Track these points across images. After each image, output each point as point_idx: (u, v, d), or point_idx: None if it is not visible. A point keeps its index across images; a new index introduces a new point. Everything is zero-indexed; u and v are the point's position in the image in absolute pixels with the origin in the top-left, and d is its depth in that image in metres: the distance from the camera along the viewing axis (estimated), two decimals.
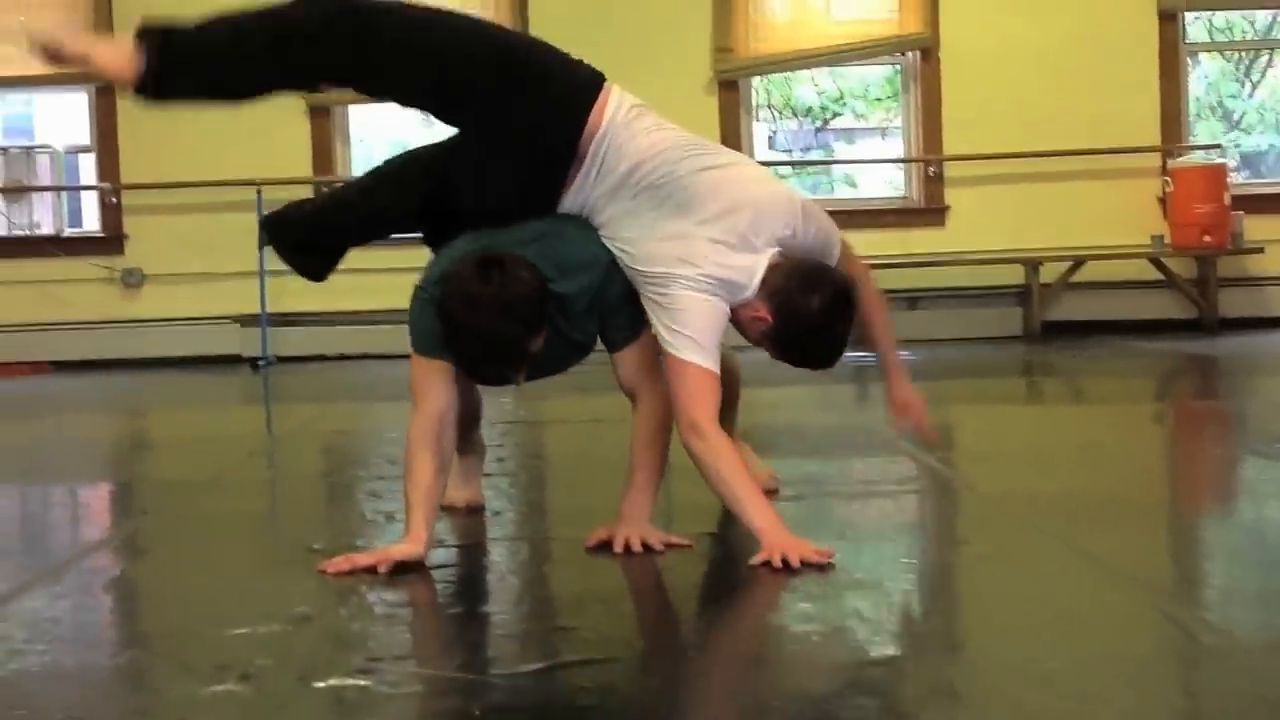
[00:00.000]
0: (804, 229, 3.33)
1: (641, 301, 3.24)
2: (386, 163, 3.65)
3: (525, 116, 3.31)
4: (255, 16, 3.37)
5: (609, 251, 3.27)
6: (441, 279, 3.13)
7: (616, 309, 3.27)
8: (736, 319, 3.25)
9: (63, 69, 3.60)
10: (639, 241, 3.24)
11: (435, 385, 3.25)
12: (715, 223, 3.21)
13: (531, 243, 3.20)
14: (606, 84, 3.36)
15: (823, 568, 2.90)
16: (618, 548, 3.15)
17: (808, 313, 3.20)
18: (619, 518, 3.23)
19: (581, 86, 3.36)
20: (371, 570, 2.96)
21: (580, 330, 3.28)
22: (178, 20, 3.35)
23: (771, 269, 3.21)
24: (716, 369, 3.17)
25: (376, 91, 3.51)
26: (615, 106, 3.33)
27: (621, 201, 3.28)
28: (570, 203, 3.34)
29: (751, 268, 3.21)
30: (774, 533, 3.02)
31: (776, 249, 3.25)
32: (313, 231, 3.71)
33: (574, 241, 3.28)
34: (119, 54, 3.27)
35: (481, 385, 3.55)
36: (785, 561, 2.90)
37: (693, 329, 3.15)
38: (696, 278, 3.16)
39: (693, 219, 3.22)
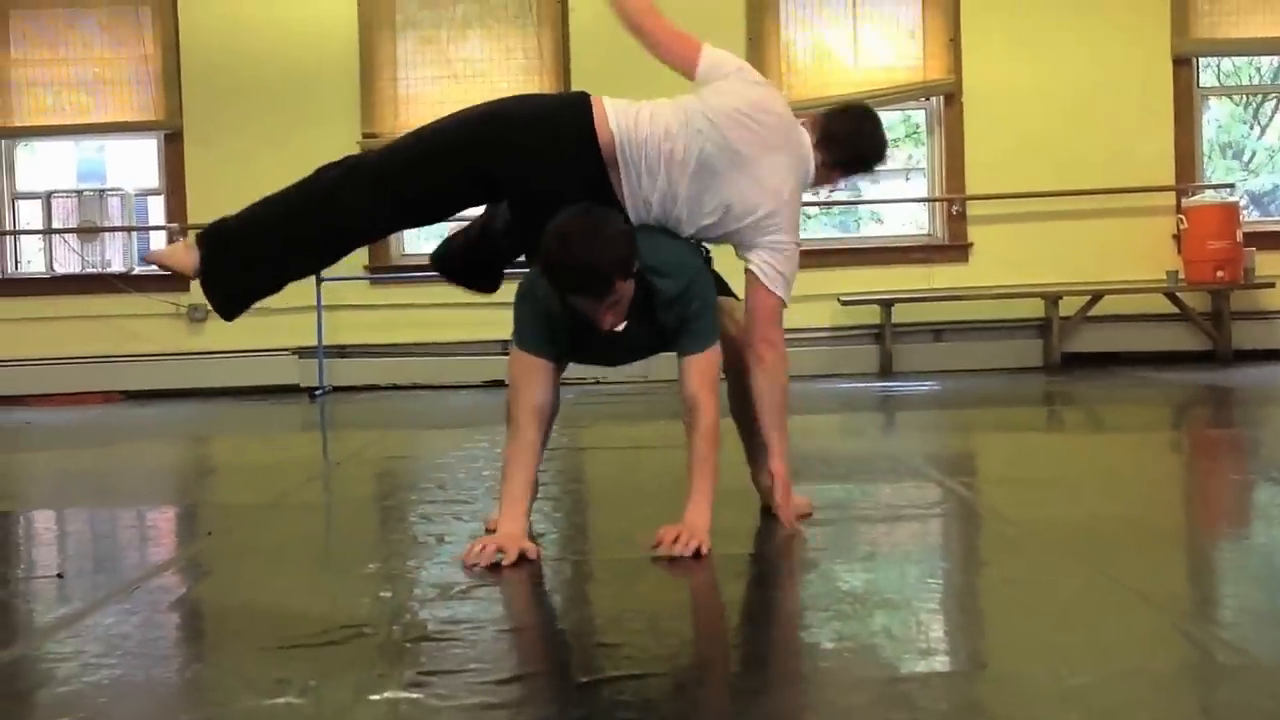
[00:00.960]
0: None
1: (751, 257, 3.54)
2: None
3: (542, 148, 3.45)
4: (290, 190, 3.58)
5: (699, 260, 3.50)
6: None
7: (699, 315, 3.45)
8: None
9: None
10: (730, 201, 3.50)
11: (533, 381, 3.45)
12: (766, 154, 3.53)
13: None
14: (592, 96, 3.54)
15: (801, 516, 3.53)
16: (680, 548, 3.26)
17: (843, 121, 3.75)
18: (684, 524, 3.35)
19: (571, 102, 3.56)
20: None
21: (663, 321, 3.44)
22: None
23: (809, 132, 3.69)
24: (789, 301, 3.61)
25: (416, 220, 3.73)
26: (612, 110, 3.50)
27: (687, 181, 3.48)
28: (641, 213, 3.49)
29: (803, 147, 3.64)
30: (786, 482, 3.54)
31: (801, 120, 3.69)
32: (472, 256, 3.88)
33: (665, 246, 3.46)
34: (183, 251, 3.61)
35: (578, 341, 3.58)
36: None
37: (788, 271, 3.57)
38: (790, 200, 3.56)
39: (750, 161, 3.51)
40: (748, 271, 3.58)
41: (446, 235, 4.02)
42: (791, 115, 3.70)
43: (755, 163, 3.53)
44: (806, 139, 3.69)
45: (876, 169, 3.86)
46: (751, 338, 3.58)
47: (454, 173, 3.51)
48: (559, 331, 3.45)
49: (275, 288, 3.66)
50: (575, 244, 3.20)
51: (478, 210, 3.87)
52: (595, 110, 3.50)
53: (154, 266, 3.83)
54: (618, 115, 3.50)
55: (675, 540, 3.28)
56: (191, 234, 3.65)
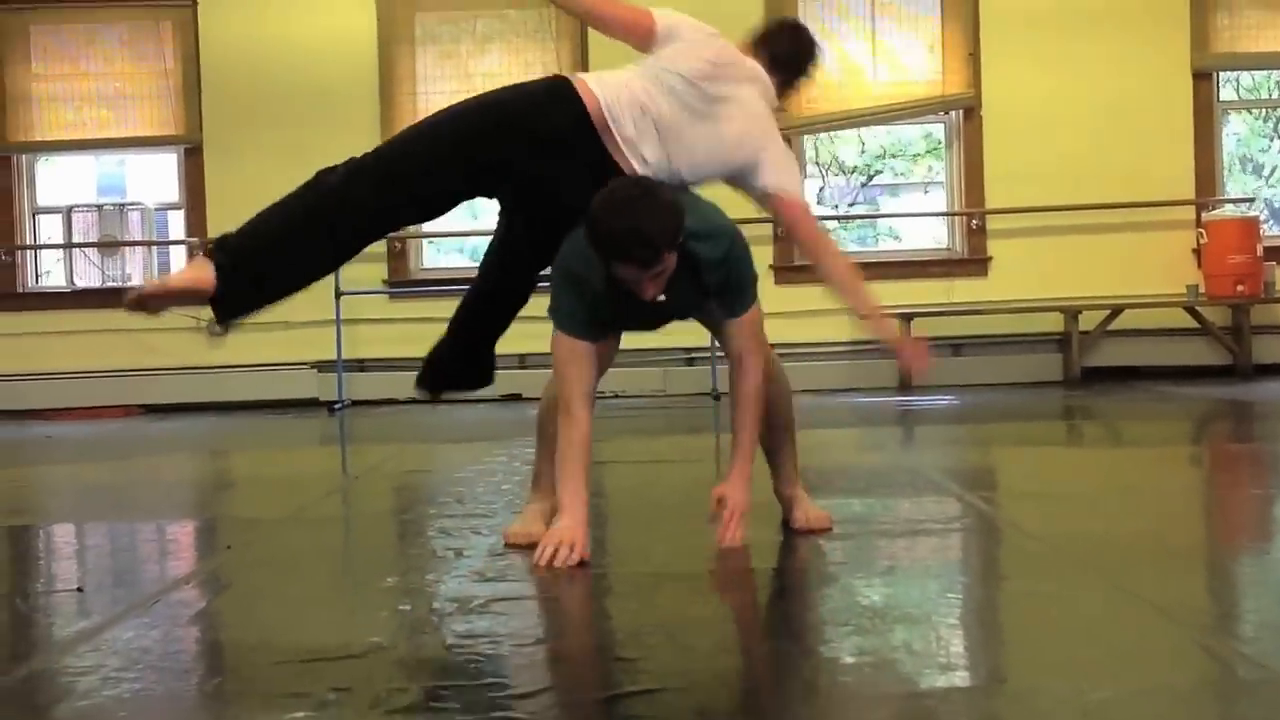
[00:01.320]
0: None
1: (762, 181, 3.65)
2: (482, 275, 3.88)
3: (539, 129, 3.51)
4: (290, 198, 3.61)
5: (733, 225, 3.53)
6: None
7: (741, 276, 3.52)
8: None
9: (157, 309, 3.77)
10: (722, 142, 3.61)
11: (579, 364, 3.48)
12: (740, 88, 3.68)
13: None
14: (571, 76, 3.65)
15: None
16: (729, 538, 3.48)
17: (782, 42, 3.93)
18: (727, 480, 3.55)
19: (554, 84, 3.64)
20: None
21: (707, 283, 3.48)
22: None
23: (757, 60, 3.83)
24: None
25: (424, 216, 3.83)
26: (594, 81, 3.59)
27: (685, 131, 3.57)
28: (643, 173, 3.53)
29: (762, 74, 3.79)
30: (883, 319, 3.88)
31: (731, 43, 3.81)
32: (460, 359, 3.97)
33: (702, 208, 3.50)
34: (194, 270, 3.56)
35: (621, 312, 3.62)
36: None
37: (795, 170, 3.80)
38: (768, 119, 3.72)
39: (729, 100, 3.64)
40: (768, 196, 3.68)
41: (425, 359, 4.04)
42: (741, 52, 3.84)
43: (734, 100, 3.65)
44: (759, 68, 3.81)
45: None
46: (810, 240, 3.82)
47: (458, 164, 3.56)
48: (600, 309, 3.48)
49: (286, 295, 3.66)
50: (625, 212, 3.23)
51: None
52: (578, 85, 3.59)
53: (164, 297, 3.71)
54: (600, 85, 3.59)
55: (728, 521, 3.50)
56: (185, 264, 3.59)
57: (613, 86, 3.59)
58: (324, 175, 3.61)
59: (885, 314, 3.96)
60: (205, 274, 3.53)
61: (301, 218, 3.57)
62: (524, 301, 3.87)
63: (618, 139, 3.53)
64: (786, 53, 3.93)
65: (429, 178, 3.55)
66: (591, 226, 3.29)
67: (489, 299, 3.87)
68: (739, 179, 3.71)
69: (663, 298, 3.36)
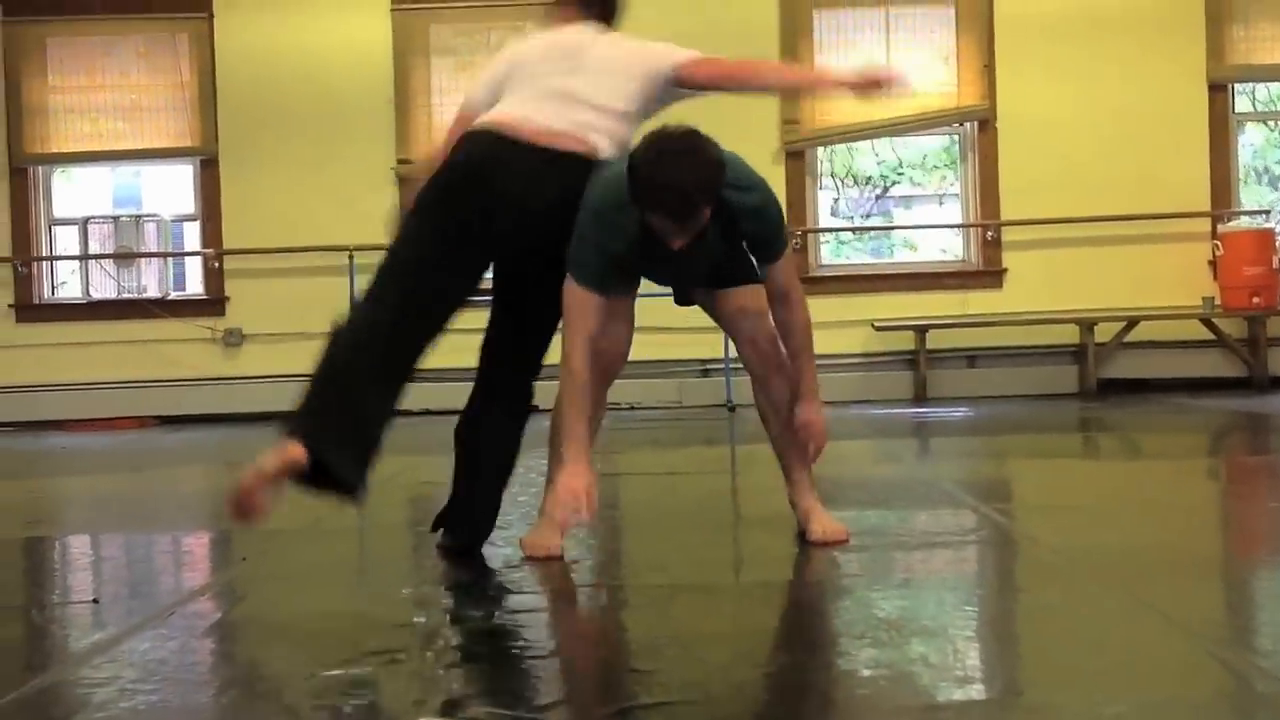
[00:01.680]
0: None
1: (676, 64, 3.75)
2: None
3: (477, 174, 3.60)
4: (329, 358, 3.56)
5: (765, 181, 3.63)
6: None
7: (778, 224, 3.67)
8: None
9: (259, 506, 3.36)
10: (615, 54, 3.80)
11: (582, 316, 3.53)
12: (596, 46, 3.83)
13: None
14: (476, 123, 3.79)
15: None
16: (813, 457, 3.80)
17: None
18: (804, 406, 3.75)
19: (458, 145, 3.75)
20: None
21: (745, 231, 3.59)
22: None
23: None
24: None
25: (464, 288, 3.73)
26: (500, 112, 3.74)
27: (582, 72, 3.72)
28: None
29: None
30: (825, 71, 3.95)
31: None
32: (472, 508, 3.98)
33: (738, 163, 3.55)
34: (277, 449, 3.32)
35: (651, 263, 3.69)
36: None
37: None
38: (632, 43, 3.86)
39: (602, 45, 3.84)
40: (683, 66, 3.77)
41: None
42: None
43: (604, 45, 3.84)
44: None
45: None
46: (728, 71, 3.83)
47: (459, 253, 3.60)
48: (622, 253, 3.52)
49: (378, 425, 3.55)
50: (669, 166, 3.29)
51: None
52: (473, 127, 3.73)
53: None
54: (492, 112, 3.72)
55: (818, 445, 3.76)
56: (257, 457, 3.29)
57: (501, 105, 3.75)
58: (337, 326, 3.60)
59: (825, 70, 4.10)
60: (290, 447, 3.32)
61: (346, 352, 3.53)
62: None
63: (540, 128, 3.60)
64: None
65: (433, 275, 3.60)
66: (633, 174, 3.33)
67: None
68: (656, 85, 3.78)
69: (684, 247, 3.42)
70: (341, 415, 3.43)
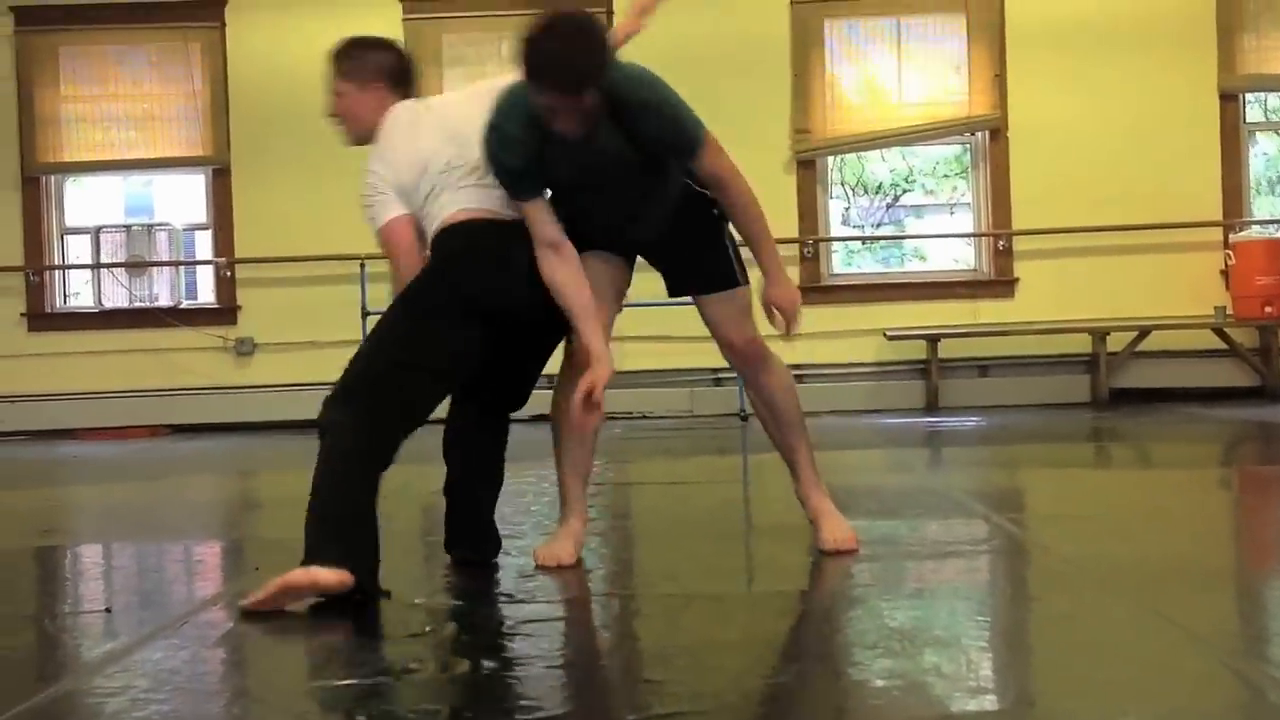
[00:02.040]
0: None
1: None
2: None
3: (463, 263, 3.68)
4: (328, 467, 3.62)
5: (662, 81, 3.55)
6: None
7: (682, 115, 3.52)
8: None
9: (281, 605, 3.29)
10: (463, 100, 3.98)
11: (538, 221, 3.53)
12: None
13: None
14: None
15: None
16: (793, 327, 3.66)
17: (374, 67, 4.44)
18: (770, 283, 3.64)
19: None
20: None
21: (644, 130, 3.47)
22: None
23: None
24: None
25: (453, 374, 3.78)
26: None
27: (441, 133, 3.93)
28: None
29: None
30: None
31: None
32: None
33: (636, 67, 3.52)
34: (335, 574, 3.24)
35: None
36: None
37: None
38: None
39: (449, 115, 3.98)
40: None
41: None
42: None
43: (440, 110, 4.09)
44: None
45: None
46: None
47: (457, 331, 3.63)
48: (530, 156, 3.50)
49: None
50: (554, 36, 3.31)
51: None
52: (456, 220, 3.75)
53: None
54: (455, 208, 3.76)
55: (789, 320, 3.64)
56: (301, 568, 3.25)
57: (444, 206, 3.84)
58: (326, 433, 3.71)
59: None
60: (342, 575, 3.25)
61: (359, 473, 3.62)
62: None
63: (432, 212, 3.83)
64: (390, 70, 4.38)
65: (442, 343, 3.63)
66: (520, 46, 3.34)
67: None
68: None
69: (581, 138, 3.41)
70: (366, 537, 3.44)
